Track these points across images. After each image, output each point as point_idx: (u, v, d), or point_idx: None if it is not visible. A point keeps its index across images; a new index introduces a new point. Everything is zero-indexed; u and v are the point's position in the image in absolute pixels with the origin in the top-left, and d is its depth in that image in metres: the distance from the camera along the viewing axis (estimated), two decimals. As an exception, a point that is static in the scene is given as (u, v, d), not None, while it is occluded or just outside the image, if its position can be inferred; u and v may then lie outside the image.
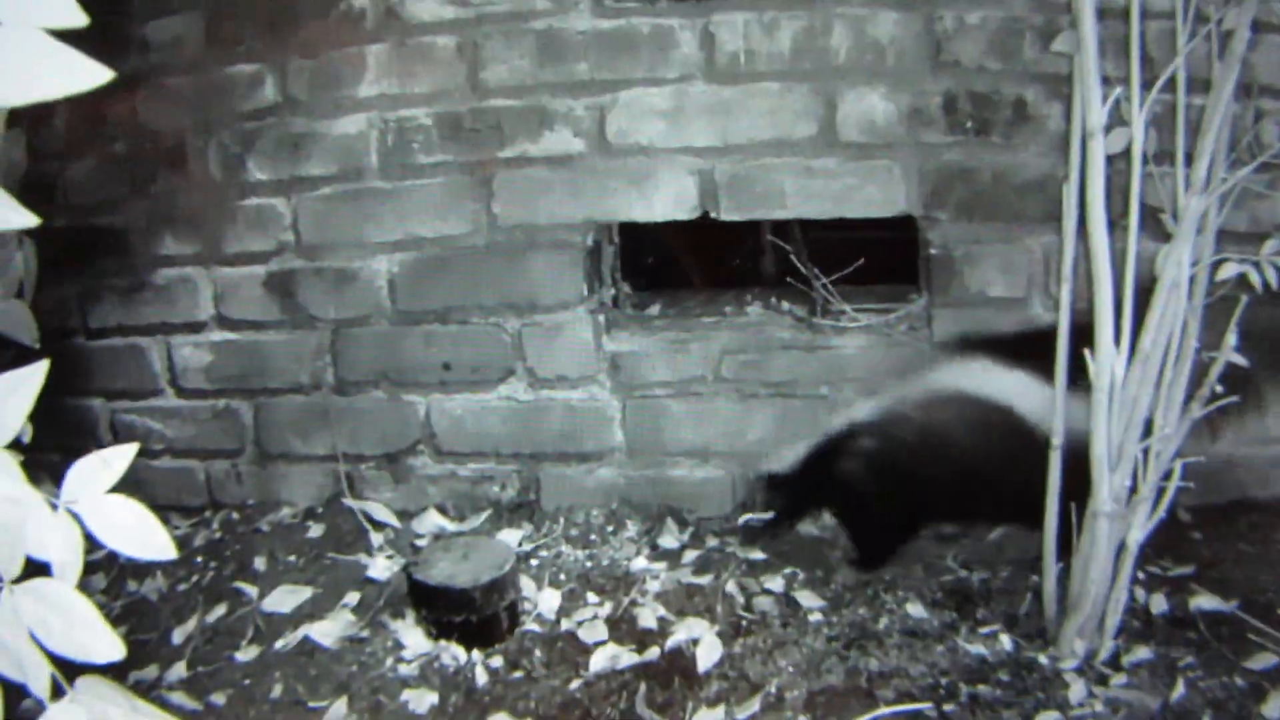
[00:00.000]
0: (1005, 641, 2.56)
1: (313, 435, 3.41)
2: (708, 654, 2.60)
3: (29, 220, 0.97)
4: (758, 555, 3.01)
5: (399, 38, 3.06)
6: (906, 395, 2.87)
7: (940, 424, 2.83)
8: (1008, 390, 2.74)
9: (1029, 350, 2.75)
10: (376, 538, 3.22)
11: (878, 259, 3.15)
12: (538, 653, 2.69)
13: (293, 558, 3.18)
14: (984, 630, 2.62)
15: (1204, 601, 2.63)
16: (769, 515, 2.98)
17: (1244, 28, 2.18)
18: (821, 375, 3.09)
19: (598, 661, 2.63)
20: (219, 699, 2.62)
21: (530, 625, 2.79)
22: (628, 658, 2.63)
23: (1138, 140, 2.21)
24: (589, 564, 3.04)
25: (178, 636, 2.88)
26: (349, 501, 3.35)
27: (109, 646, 1.03)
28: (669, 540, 3.12)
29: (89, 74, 0.90)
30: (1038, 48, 2.80)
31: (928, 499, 2.90)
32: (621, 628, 2.76)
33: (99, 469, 1.05)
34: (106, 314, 3.49)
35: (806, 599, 2.80)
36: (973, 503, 2.92)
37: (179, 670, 2.73)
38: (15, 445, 1.05)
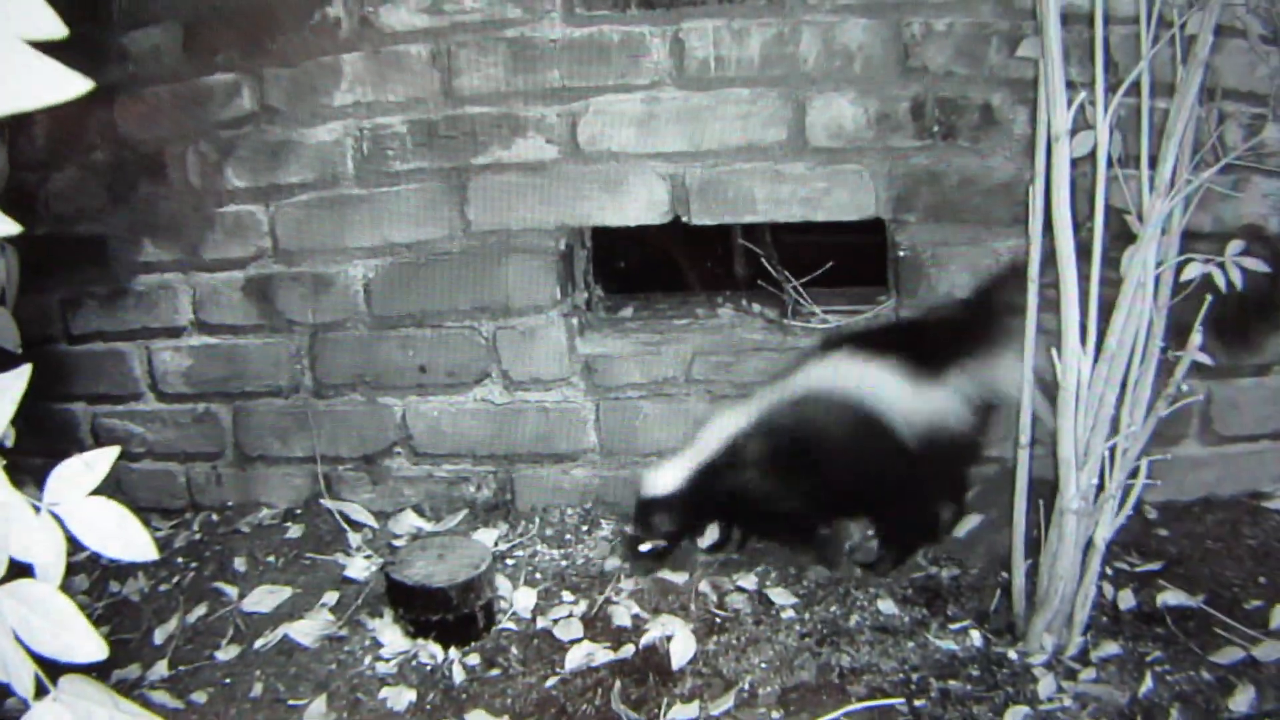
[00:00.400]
0: (975, 637, 2.58)
1: (291, 438, 3.42)
2: (682, 651, 2.61)
3: (11, 228, 0.97)
4: (731, 554, 3.03)
5: (374, 47, 3.08)
6: (777, 398, 2.86)
7: (808, 424, 2.84)
8: (863, 386, 2.77)
9: (884, 345, 2.82)
10: (355, 538, 3.23)
11: (847, 262, 3.18)
12: (514, 650, 2.70)
13: (272, 558, 3.19)
14: (954, 626, 2.63)
15: (1171, 597, 2.65)
16: (659, 543, 2.93)
17: (1207, 32, 2.21)
18: (792, 376, 3.10)
19: (573, 659, 2.64)
20: (200, 697, 2.63)
21: (506, 623, 2.81)
22: (603, 655, 2.65)
23: (1102, 143, 2.23)
24: (564, 563, 3.06)
25: (159, 636, 2.89)
26: (327, 503, 3.37)
27: (92, 646, 1.05)
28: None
29: (69, 84, 0.90)
30: (1004, 53, 2.84)
31: (803, 498, 2.92)
32: (597, 625, 2.77)
33: (81, 472, 1.06)
34: (88, 320, 3.50)
35: (779, 596, 2.82)
36: (841, 501, 2.98)
37: (161, 669, 2.75)
38: None
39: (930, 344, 2.83)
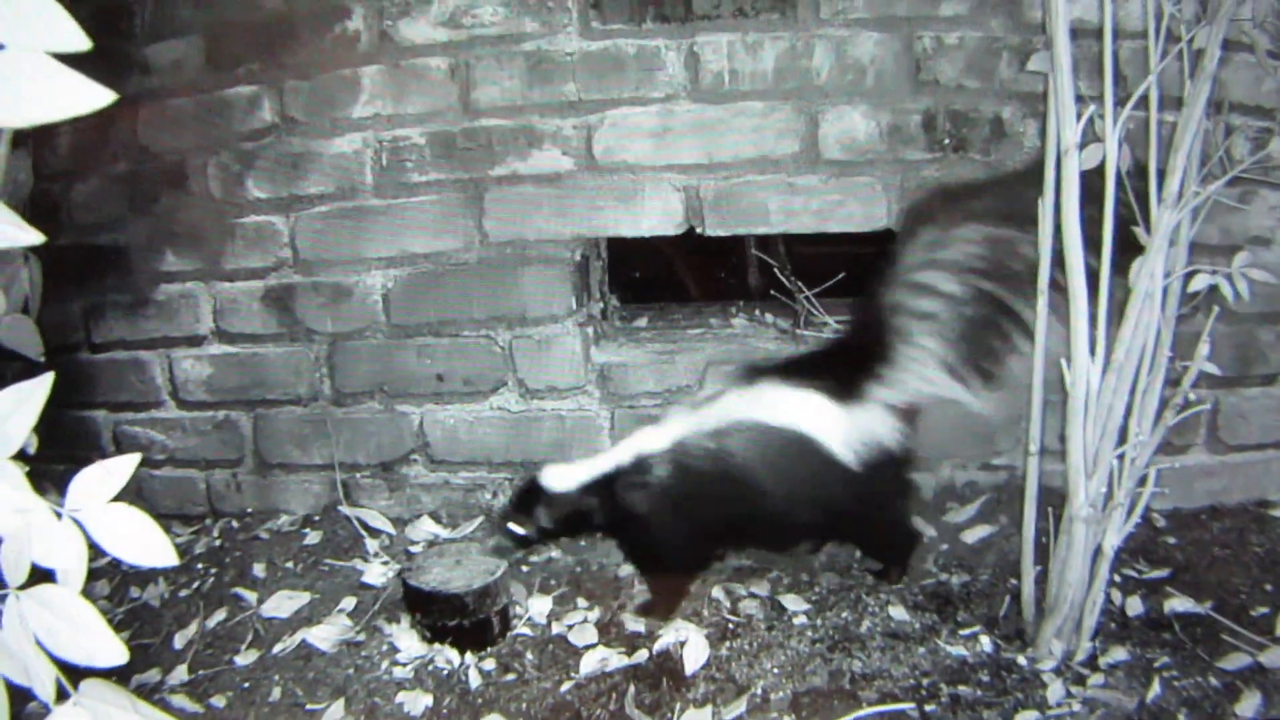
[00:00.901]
0: (985, 643, 2.59)
1: (310, 445, 3.44)
2: (695, 656, 2.62)
3: (35, 238, 1.01)
4: (744, 560, 3.03)
5: (393, 60, 3.11)
6: (699, 425, 2.77)
7: (732, 451, 2.76)
8: (795, 414, 2.72)
9: (812, 373, 2.77)
10: (372, 544, 3.25)
11: (860, 273, 3.19)
12: (529, 656, 2.71)
13: (291, 564, 3.21)
14: (964, 632, 2.64)
15: (1179, 604, 2.66)
16: (526, 532, 2.83)
17: (1215, 46, 2.22)
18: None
19: (588, 664, 2.65)
20: (219, 702, 2.64)
21: (522, 629, 2.82)
22: (617, 660, 2.66)
23: (1111, 156, 2.24)
24: (579, 569, 3.07)
25: (179, 641, 2.91)
26: (345, 509, 3.39)
27: (112, 651, 1.08)
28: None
29: (92, 96, 0.93)
30: (1014, 67, 2.86)
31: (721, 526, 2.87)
32: (611, 631, 2.78)
33: (102, 479, 1.09)
34: (110, 328, 3.54)
35: (791, 603, 2.82)
36: (777, 527, 2.90)
37: (180, 674, 2.76)
38: (21, 456, 1.08)
39: (851, 364, 2.80)
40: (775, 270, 3.30)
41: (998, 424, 3.03)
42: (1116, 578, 2.74)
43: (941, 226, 2.68)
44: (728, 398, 2.77)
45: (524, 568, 3.08)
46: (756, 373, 2.80)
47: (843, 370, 2.74)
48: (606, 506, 2.78)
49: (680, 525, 2.79)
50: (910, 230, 2.74)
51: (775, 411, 2.72)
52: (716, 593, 2.89)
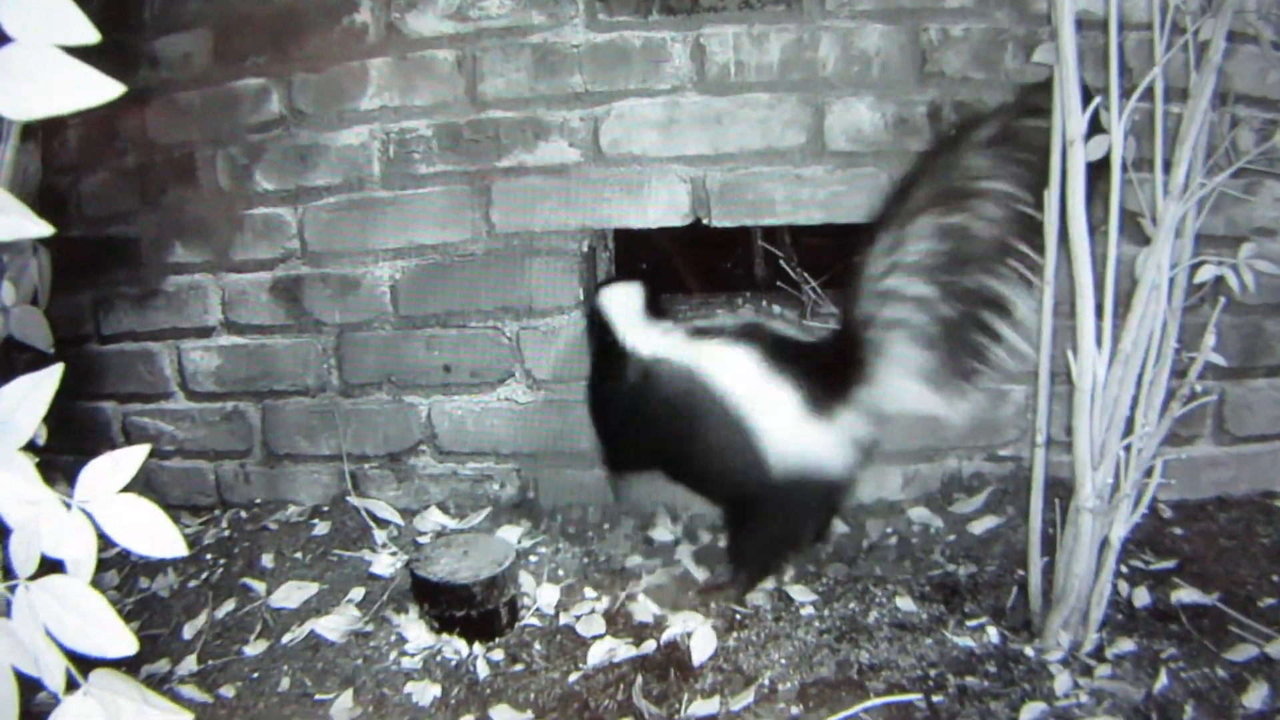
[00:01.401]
0: (992, 634, 2.59)
1: (318, 436, 3.45)
2: (702, 647, 2.63)
3: (44, 230, 1.02)
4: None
5: (400, 52, 3.12)
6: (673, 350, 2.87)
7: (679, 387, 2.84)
8: (748, 396, 2.75)
9: (790, 367, 2.76)
10: (380, 535, 3.25)
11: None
12: (537, 646, 2.72)
13: (299, 555, 3.22)
14: (971, 623, 2.64)
15: (1185, 595, 2.66)
16: None
17: (1220, 37, 2.22)
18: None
19: (595, 654, 2.65)
20: (229, 692, 2.65)
21: (530, 619, 2.83)
22: (625, 651, 2.66)
23: (1117, 147, 2.24)
24: (586, 560, 3.07)
25: (188, 631, 2.92)
26: (353, 500, 3.38)
27: (121, 641, 1.10)
28: (663, 535, 3.17)
29: (101, 89, 0.95)
30: (1020, 58, 2.86)
31: None
32: (618, 622, 2.79)
33: (111, 469, 1.11)
34: (119, 320, 3.55)
35: (798, 593, 2.83)
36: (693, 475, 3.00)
37: (190, 664, 2.76)
38: (31, 447, 1.10)
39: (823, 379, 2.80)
40: (781, 261, 3.30)
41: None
42: (1123, 569, 2.73)
43: (897, 227, 2.65)
44: (711, 345, 2.80)
45: (532, 558, 3.09)
46: (750, 335, 2.81)
47: (814, 381, 2.72)
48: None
49: (620, 424, 2.99)
50: (870, 237, 2.69)
51: (734, 380, 2.74)
52: (724, 583, 2.89)
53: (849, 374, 2.70)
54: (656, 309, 2.94)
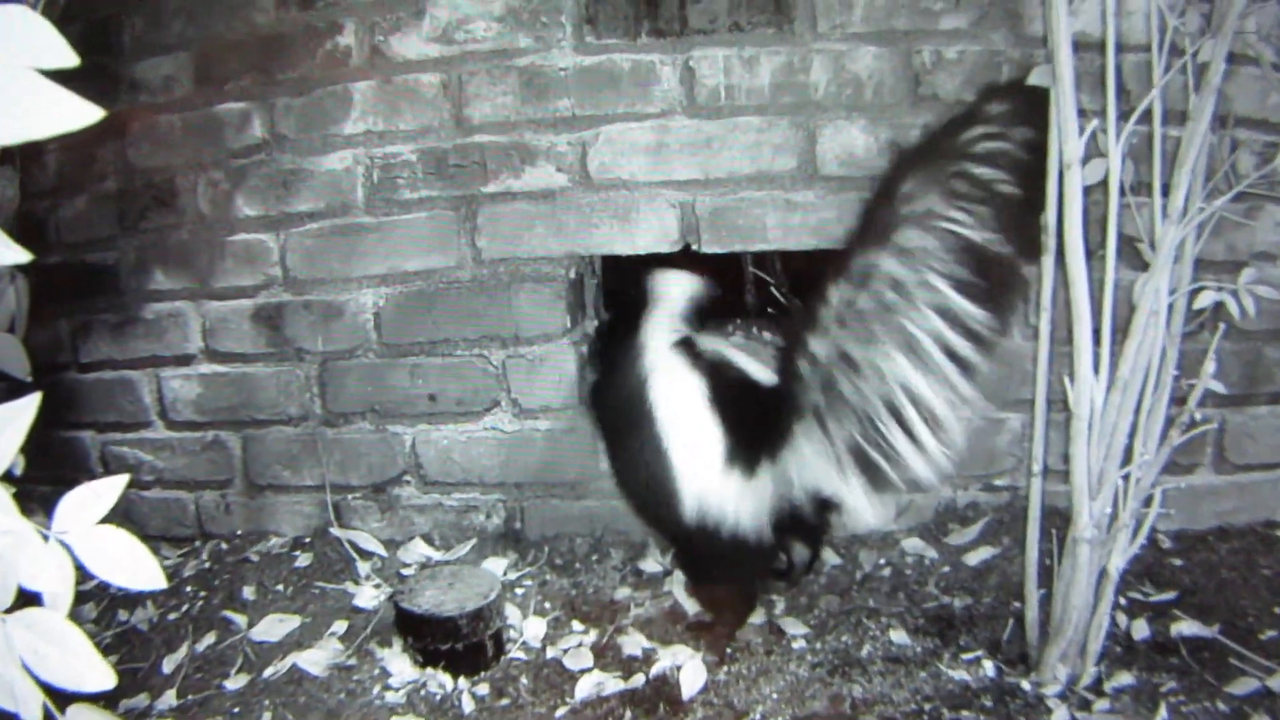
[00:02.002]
0: (988, 667, 2.56)
1: (301, 466, 3.43)
2: (692, 681, 2.60)
3: (21, 256, 1.00)
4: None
5: (384, 76, 3.11)
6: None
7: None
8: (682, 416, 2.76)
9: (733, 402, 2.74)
10: (364, 567, 3.23)
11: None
12: (524, 680, 2.69)
13: (281, 587, 3.20)
14: (967, 656, 2.62)
15: (1185, 627, 2.64)
16: None
17: (1219, 59, 2.20)
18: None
19: (583, 688, 2.63)
20: None
21: (516, 653, 2.80)
22: (613, 685, 2.64)
23: (1115, 171, 2.23)
24: (573, 592, 3.05)
25: (168, 665, 2.89)
26: (336, 531, 3.36)
27: (100, 675, 1.08)
28: (652, 566, 3.14)
29: (80, 113, 0.92)
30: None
31: None
32: (607, 655, 2.76)
33: (90, 500, 1.09)
34: (97, 348, 3.53)
35: (790, 626, 2.81)
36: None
37: (169, 699, 2.74)
38: (7, 477, 1.10)
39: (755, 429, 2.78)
40: (771, 288, 3.28)
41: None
42: (1122, 600, 2.72)
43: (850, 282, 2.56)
44: (671, 366, 2.80)
45: (518, 590, 3.06)
46: (710, 367, 2.79)
47: (744, 429, 2.70)
48: None
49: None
50: (823, 280, 2.60)
51: (672, 410, 2.75)
52: (714, 616, 2.87)
53: (775, 431, 2.67)
54: (704, 312, 2.95)
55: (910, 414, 2.49)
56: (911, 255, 2.47)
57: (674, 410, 2.73)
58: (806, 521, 2.76)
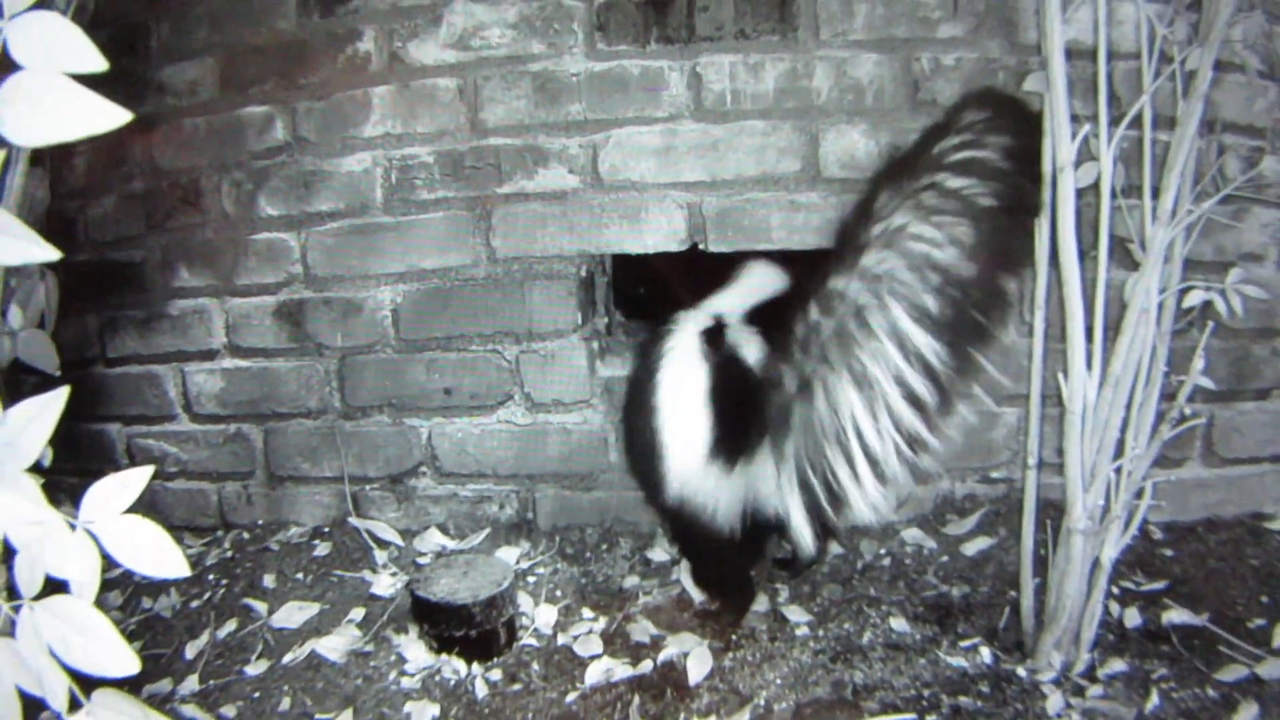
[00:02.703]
0: (985, 654, 2.59)
1: (320, 458, 3.47)
2: (698, 667, 2.63)
3: (51, 254, 1.04)
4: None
5: (403, 80, 3.16)
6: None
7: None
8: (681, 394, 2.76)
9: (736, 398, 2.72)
10: (381, 556, 3.27)
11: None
12: (535, 666, 2.73)
13: (301, 575, 3.23)
14: (964, 643, 2.65)
15: (1176, 616, 2.67)
16: None
17: (1207, 67, 2.25)
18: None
19: (593, 674, 2.66)
20: (230, 712, 2.66)
21: (528, 639, 2.84)
22: (622, 670, 2.67)
23: (1106, 174, 2.27)
24: (584, 580, 3.09)
25: (190, 651, 2.92)
26: (354, 521, 3.41)
27: (124, 661, 1.12)
28: (660, 555, 3.17)
29: (108, 116, 0.98)
30: (1010, 87, 2.87)
31: None
32: (616, 642, 2.80)
33: (116, 491, 1.12)
34: (124, 343, 3.58)
35: (794, 614, 2.84)
36: None
37: (191, 684, 2.77)
38: (37, 468, 1.12)
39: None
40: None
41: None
42: (1114, 590, 2.75)
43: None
44: (685, 351, 2.80)
45: (530, 579, 3.11)
46: (720, 359, 2.78)
47: (730, 422, 2.70)
48: None
49: None
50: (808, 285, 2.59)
51: (671, 392, 2.76)
52: (720, 604, 2.90)
53: (753, 434, 2.69)
54: (772, 306, 2.89)
55: (854, 450, 2.49)
56: (878, 281, 2.46)
57: (672, 393, 2.75)
58: (780, 526, 2.72)
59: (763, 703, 2.52)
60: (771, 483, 2.65)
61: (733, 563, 2.90)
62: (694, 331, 2.82)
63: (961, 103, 2.72)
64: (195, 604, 3.17)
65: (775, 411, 2.60)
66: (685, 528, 2.83)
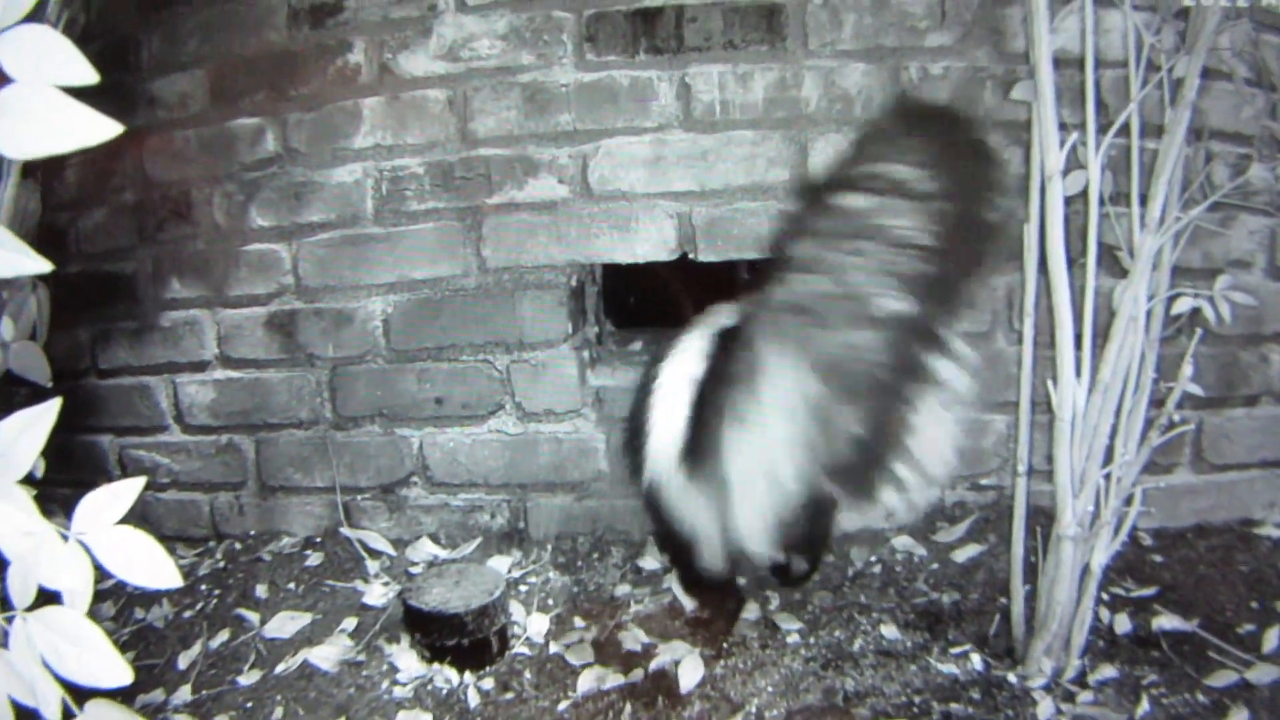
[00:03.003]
0: (976, 661, 2.60)
1: (312, 468, 3.47)
2: (690, 675, 2.63)
3: (43, 266, 1.04)
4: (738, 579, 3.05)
5: (393, 92, 3.17)
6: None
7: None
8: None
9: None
10: (373, 565, 3.27)
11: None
12: (527, 675, 2.72)
13: (293, 585, 3.22)
14: (955, 650, 2.65)
15: (1166, 621, 2.67)
16: None
17: (1194, 75, 2.26)
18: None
19: (585, 683, 2.66)
20: None
21: (520, 648, 2.83)
22: (613, 679, 2.67)
23: (1094, 182, 2.29)
24: (575, 589, 3.08)
25: (183, 662, 2.92)
26: (346, 531, 3.41)
27: (117, 672, 1.11)
28: (651, 564, 3.17)
29: (100, 128, 0.98)
30: (998, 96, 2.90)
31: None
32: (607, 650, 2.79)
33: (108, 502, 1.12)
34: (116, 354, 3.57)
35: (785, 621, 2.84)
36: None
37: (184, 694, 2.76)
38: (29, 480, 1.11)
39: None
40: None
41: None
42: (1105, 596, 2.76)
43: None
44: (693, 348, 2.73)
45: (522, 588, 3.11)
46: (721, 365, 2.64)
47: (702, 421, 2.61)
48: None
49: None
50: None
51: (667, 384, 2.72)
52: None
53: (711, 446, 2.59)
54: None
55: (756, 490, 2.46)
56: (777, 323, 2.33)
57: (666, 388, 2.72)
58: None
59: (754, 710, 2.52)
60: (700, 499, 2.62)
61: (698, 566, 2.84)
62: (712, 328, 2.75)
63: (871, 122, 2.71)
64: (188, 614, 3.16)
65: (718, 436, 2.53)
66: (656, 527, 2.84)
